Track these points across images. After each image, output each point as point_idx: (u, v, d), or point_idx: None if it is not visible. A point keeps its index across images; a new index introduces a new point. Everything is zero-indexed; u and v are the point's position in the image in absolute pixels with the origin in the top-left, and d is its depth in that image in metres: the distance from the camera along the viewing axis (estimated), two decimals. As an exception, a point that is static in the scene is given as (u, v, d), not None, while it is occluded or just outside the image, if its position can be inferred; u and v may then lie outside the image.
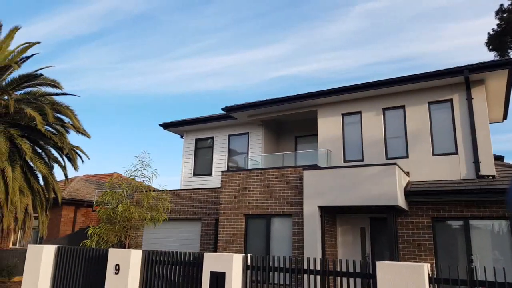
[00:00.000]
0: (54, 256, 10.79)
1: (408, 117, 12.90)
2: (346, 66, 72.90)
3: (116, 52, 68.77)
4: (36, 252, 10.73)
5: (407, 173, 12.21)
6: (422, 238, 11.23)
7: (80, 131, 16.01)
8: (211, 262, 8.28)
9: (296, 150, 16.45)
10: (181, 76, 70.61)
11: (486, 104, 12.01)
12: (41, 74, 15.16)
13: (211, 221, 15.51)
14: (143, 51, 66.27)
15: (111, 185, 14.78)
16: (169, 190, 16.44)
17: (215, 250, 14.48)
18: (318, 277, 7.68)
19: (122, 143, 67.35)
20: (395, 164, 10.74)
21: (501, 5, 22.69)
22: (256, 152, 16.15)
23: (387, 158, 12.82)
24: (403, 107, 13.08)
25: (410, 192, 11.20)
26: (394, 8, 60.28)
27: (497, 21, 22.99)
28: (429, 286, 6.34)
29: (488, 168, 11.44)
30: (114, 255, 9.49)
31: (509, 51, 23.05)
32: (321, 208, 11.40)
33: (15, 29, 15.50)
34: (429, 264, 6.69)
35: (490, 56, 23.77)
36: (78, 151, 16.27)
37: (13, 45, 15.49)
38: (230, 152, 17.21)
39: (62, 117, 15.72)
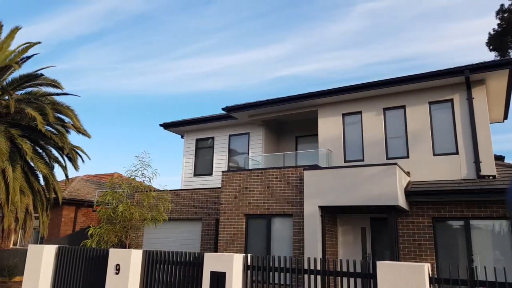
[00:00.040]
0: (54, 256, 10.79)
1: (408, 117, 12.89)
2: (346, 66, 72.91)
3: (117, 52, 68.83)
4: (36, 252, 10.74)
5: (408, 173, 12.21)
6: (423, 238, 11.23)
7: (80, 131, 16.02)
8: (212, 262, 8.28)
9: (296, 150, 16.44)
10: (181, 76, 70.66)
11: (486, 104, 12.00)
12: (41, 74, 15.17)
13: (212, 221, 15.51)
14: (144, 51, 66.32)
15: (111, 185, 14.79)
16: (170, 190, 16.45)
17: (215, 250, 14.48)
18: (319, 277, 7.68)
19: (122, 143, 67.41)
20: (395, 164, 10.73)
21: (502, 5, 22.69)
22: (257, 152, 16.15)
23: (387, 158, 12.81)
24: (403, 107, 13.08)
25: (411, 192, 11.19)
26: (395, 8, 60.27)
27: (498, 21, 22.99)
28: (430, 286, 6.33)
29: (488, 168, 11.43)
30: (115, 255, 9.49)
31: (509, 51, 23.05)
32: (322, 208, 11.40)
33: (16, 29, 15.52)
34: (429, 264, 6.69)
35: (490, 56, 23.81)
36: (78, 151, 16.28)
37: (14, 45, 15.52)
38: (231, 152, 17.21)
39: (63, 117, 15.74)
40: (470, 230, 10.84)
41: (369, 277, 7.08)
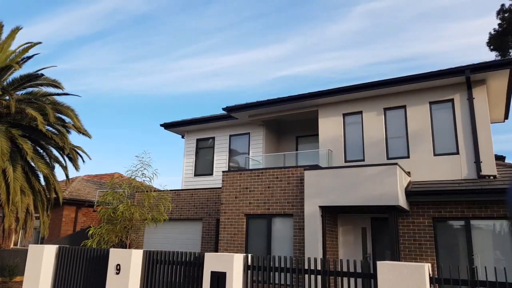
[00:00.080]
0: (55, 256, 10.79)
1: (409, 117, 12.88)
2: (346, 66, 72.90)
3: (117, 52, 68.86)
4: (37, 252, 10.74)
5: (408, 173, 12.20)
6: (423, 238, 11.23)
7: (81, 131, 16.04)
8: (212, 262, 8.27)
9: (297, 150, 16.44)
10: (182, 76, 70.68)
11: (487, 104, 11.99)
12: (42, 74, 15.19)
13: (212, 221, 15.51)
14: (144, 51, 66.34)
15: (112, 185, 14.79)
16: (170, 190, 16.45)
17: (216, 250, 14.48)
18: (319, 277, 7.68)
19: (123, 143, 67.44)
20: (396, 164, 10.73)
21: (502, 5, 22.67)
22: (257, 152, 16.15)
23: (388, 158, 12.80)
24: (404, 107, 13.07)
25: (411, 192, 11.18)
26: (395, 8, 60.26)
27: (498, 21, 22.97)
28: (430, 286, 6.33)
29: (489, 168, 11.42)
30: (115, 255, 9.49)
31: (510, 51, 23.03)
32: (322, 208, 11.40)
33: (17, 29, 15.54)
34: (430, 264, 6.68)
35: (491, 56, 23.81)
36: (79, 151, 16.30)
37: (15, 45, 15.54)
38: (231, 152, 17.20)
39: (63, 117, 15.76)
40: (470, 230, 10.84)
41: (369, 277, 7.07)
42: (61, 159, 16.15)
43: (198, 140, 18.19)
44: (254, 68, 72.71)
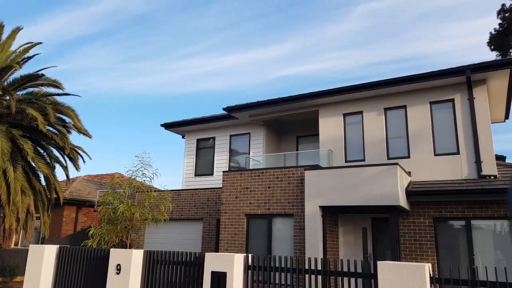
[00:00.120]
0: (55, 256, 10.80)
1: (409, 117, 12.87)
2: (347, 66, 72.89)
3: (118, 53, 68.90)
4: (37, 252, 10.74)
5: (409, 173, 12.20)
6: (424, 238, 11.22)
7: (81, 131, 16.06)
8: (213, 262, 8.27)
9: (297, 150, 16.44)
10: (182, 76, 70.70)
11: (488, 104, 11.98)
12: (42, 75, 15.20)
13: (213, 221, 15.51)
14: (144, 51, 66.37)
15: (112, 185, 14.78)
16: (171, 190, 16.45)
17: (216, 250, 14.48)
18: (319, 277, 7.67)
19: (123, 143, 67.47)
20: (396, 164, 10.72)
21: (503, 5, 22.67)
22: (258, 152, 16.14)
23: (388, 158, 12.80)
24: (404, 107, 13.06)
25: (412, 192, 11.18)
26: (396, 8, 60.24)
27: (499, 21, 22.97)
28: (430, 286, 6.32)
29: (489, 168, 11.41)
30: (116, 255, 9.50)
31: (511, 50, 23.02)
32: (323, 208, 11.39)
33: (17, 29, 15.55)
34: (430, 264, 6.68)
35: (492, 55, 23.75)
36: (79, 151, 16.32)
37: (15, 46, 15.56)
38: (232, 152, 17.20)
39: (64, 117, 15.77)
40: (471, 230, 10.83)
41: (369, 277, 7.07)
42: (61, 159, 16.17)
43: (198, 140, 18.19)
44: (254, 68, 72.74)
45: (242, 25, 65.90)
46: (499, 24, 22.94)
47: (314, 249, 10.96)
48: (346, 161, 13.50)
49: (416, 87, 12.77)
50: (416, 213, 11.46)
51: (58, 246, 10.97)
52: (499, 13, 22.83)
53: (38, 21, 61.20)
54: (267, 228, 12.38)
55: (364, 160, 13.20)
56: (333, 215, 12.31)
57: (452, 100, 12.41)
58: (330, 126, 14.11)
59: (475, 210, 10.79)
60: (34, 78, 15.27)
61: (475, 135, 11.72)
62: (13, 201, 13.68)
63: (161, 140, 72.16)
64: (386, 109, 13.34)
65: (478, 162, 11.53)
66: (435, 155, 12.23)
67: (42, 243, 19.32)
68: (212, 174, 17.26)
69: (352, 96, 13.66)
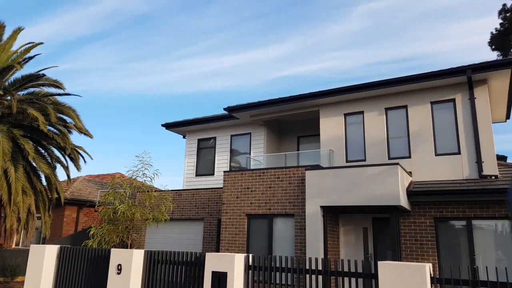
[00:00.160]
0: (56, 256, 10.81)
1: (410, 117, 12.86)
2: (347, 66, 72.87)
3: (118, 53, 68.95)
4: (38, 252, 10.75)
5: (410, 173, 12.19)
6: (425, 238, 11.21)
7: (82, 131, 16.08)
8: (213, 262, 8.27)
9: (298, 150, 16.43)
10: (182, 76, 70.73)
11: (489, 104, 11.97)
12: (43, 75, 15.23)
13: (214, 221, 15.51)
14: (145, 51, 66.41)
15: (113, 185, 14.79)
16: (172, 190, 16.45)
17: (217, 250, 14.48)
18: (320, 277, 7.67)
19: (123, 143, 67.52)
20: (397, 164, 10.71)
21: (504, 5, 22.62)
22: (258, 152, 16.14)
23: (389, 158, 12.79)
24: (405, 107, 13.05)
25: (413, 192, 11.17)
26: (396, 8, 60.21)
27: (500, 21, 22.92)
28: (431, 286, 6.32)
29: (490, 168, 11.40)
30: (116, 255, 9.50)
31: (512, 50, 22.98)
32: (324, 208, 11.39)
33: (18, 30, 15.59)
34: (431, 264, 6.67)
35: (493, 55, 23.71)
36: (80, 151, 16.35)
37: (16, 46, 15.61)
38: (233, 152, 17.20)
39: (65, 117, 15.80)
40: (472, 230, 10.82)
41: (370, 277, 7.07)
42: (62, 159, 16.19)
43: (199, 140, 18.19)
44: (254, 68, 72.75)
45: (242, 25, 65.94)
46: (500, 24, 22.90)
47: (315, 249, 10.96)
48: (347, 161, 13.49)
49: (417, 87, 12.76)
50: (417, 213, 11.45)
51: (59, 246, 10.98)
52: (500, 13, 22.79)
53: (38, 21, 61.30)
54: (268, 228, 12.38)
55: (365, 160, 13.19)
56: (334, 215, 12.30)
57: (453, 100, 12.40)
58: (331, 126, 14.10)
59: (476, 210, 10.78)
60: (35, 78, 15.30)
61: (476, 135, 11.71)
62: (14, 201, 13.70)
63: (162, 140, 72.23)
64: (387, 109, 13.33)
65: (479, 162, 11.51)
66: (436, 155, 12.22)
67: (43, 243, 19.33)
68: (213, 174, 17.26)
69: (353, 96, 13.66)
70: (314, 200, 11.38)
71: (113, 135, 66.65)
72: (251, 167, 15.45)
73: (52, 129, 15.35)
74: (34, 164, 15.03)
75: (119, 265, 9.31)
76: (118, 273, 9.26)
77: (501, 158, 15.62)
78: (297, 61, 70.51)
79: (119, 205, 13.42)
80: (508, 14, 22.43)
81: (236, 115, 16.15)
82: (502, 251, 10.52)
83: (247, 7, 61.27)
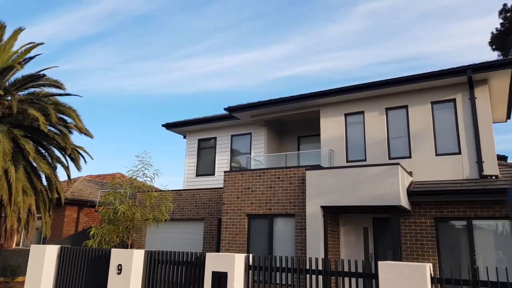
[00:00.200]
0: (57, 256, 10.81)
1: (411, 117, 12.86)
2: (348, 66, 72.85)
3: (118, 53, 68.97)
4: (39, 252, 10.76)
5: (410, 173, 12.18)
6: (425, 238, 11.20)
7: (83, 131, 16.08)
8: (213, 262, 8.27)
9: (298, 150, 16.43)
10: (182, 77, 70.74)
11: (489, 103, 11.96)
12: (44, 75, 15.24)
13: (214, 221, 15.51)
14: (145, 51, 66.44)
15: (113, 185, 14.80)
16: (172, 191, 16.45)
17: (218, 250, 14.48)
18: (320, 277, 7.67)
19: (123, 143, 67.54)
20: (398, 164, 10.71)
21: (505, 5, 22.62)
22: (259, 152, 16.14)
23: (390, 158, 12.79)
24: (406, 107, 13.05)
25: (413, 192, 11.16)
26: (396, 8, 60.20)
27: (501, 21, 22.92)
28: (431, 286, 6.31)
29: (491, 168, 11.39)
30: (117, 255, 9.50)
31: (512, 50, 22.97)
32: (324, 208, 11.38)
33: (19, 30, 15.60)
34: (431, 264, 6.67)
35: (493, 55, 23.71)
36: (81, 151, 16.35)
37: (17, 46, 15.62)
38: (233, 152, 17.20)
39: (65, 117, 15.80)
40: (472, 230, 10.81)
41: (370, 277, 7.06)
42: (63, 159, 16.20)
43: (200, 140, 18.19)
44: (255, 68, 72.76)
45: (242, 25, 65.94)
46: (501, 23, 22.89)
47: (315, 249, 10.96)
48: (347, 161, 13.49)
49: (417, 87, 12.75)
50: (417, 213, 11.44)
51: (59, 246, 10.98)
52: (500, 12, 22.78)
53: (39, 21, 61.35)
54: (268, 228, 12.37)
55: (365, 160, 13.18)
56: (334, 215, 12.30)
57: (454, 100, 12.39)
58: (331, 126, 14.10)
59: (476, 210, 10.77)
60: (35, 79, 15.31)
61: (477, 135, 11.70)
62: (15, 201, 13.71)
63: (162, 140, 72.25)
64: (387, 109, 13.33)
65: (479, 162, 11.51)
66: (437, 155, 12.21)
67: (44, 243, 19.34)
68: (213, 174, 17.26)
69: (353, 96, 13.65)
70: (314, 200, 11.38)
71: (113, 135, 66.70)
72: (252, 167, 15.45)
73: (52, 129, 15.36)
74: (34, 164, 15.04)
75: (120, 265, 9.31)
76: (119, 273, 9.26)
77: (501, 158, 15.60)
78: (297, 61, 70.55)
79: (120, 205, 13.43)
80: (508, 14, 22.42)
81: (237, 115, 16.15)
82: (502, 251, 10.51)
83: (247, 7, 61.30)
